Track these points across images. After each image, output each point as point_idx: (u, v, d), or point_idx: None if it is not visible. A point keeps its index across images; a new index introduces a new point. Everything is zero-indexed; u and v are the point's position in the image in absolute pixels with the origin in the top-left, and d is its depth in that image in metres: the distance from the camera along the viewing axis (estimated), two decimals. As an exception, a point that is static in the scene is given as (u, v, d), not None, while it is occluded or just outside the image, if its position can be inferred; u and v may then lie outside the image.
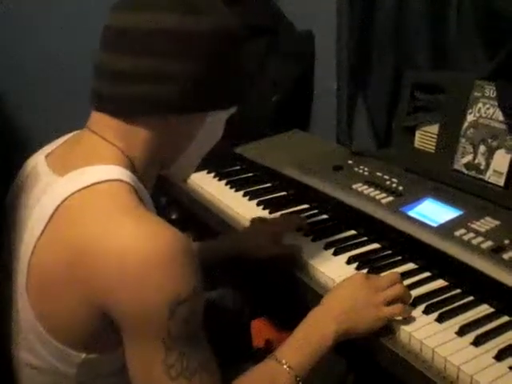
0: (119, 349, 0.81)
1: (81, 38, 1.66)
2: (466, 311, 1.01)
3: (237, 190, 1.56)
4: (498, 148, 1.30)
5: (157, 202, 0.92)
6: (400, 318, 0.99)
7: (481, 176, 1.33)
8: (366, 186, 1.40)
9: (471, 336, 0.94)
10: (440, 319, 0.99)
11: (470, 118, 1.36)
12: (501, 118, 1.29)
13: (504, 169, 1.28)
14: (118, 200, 0.80)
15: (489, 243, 1.12)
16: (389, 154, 1.57)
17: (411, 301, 1.02)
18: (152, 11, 0.84)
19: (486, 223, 1.18)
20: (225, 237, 1.35)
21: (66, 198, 0.80)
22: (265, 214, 1.42)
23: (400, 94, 1.55)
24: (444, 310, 1.01)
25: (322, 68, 1.91)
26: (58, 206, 0.80)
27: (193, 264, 0.78)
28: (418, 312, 1.01)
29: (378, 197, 1.35)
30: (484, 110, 1.33)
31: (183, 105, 0.86)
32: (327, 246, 1.23)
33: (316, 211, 1.41)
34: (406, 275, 1.10)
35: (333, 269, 1.15)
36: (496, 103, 1.30)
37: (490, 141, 1.31)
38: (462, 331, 0.95)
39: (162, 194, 1.80)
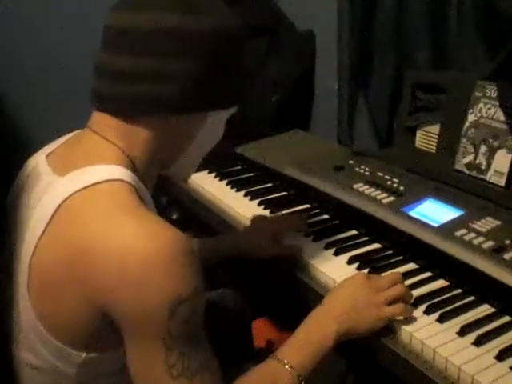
0: (119, 348, 0.81)
1: (81, 38, 1.67)
2: (467, 311, 1.01)
3: (238, 190, 1.56)
4: (499, 148, 1.30)
5: (157, 201, 0.92)
6: (401, 317, 0.98)
7: (482, 176, 1.33)
8: (367, 186, 1.40)
9: (472, 336, 0.94)
10: (441, 319, 0.99)
11: (471, 118, 1.36)
12: (502, 118, 1.29)
13: (505, 169, 1.28)
14: (118, 200, 0.80)
15: (490, 243, 1.11)
16: (390, 154, 1.57)
17: (412, 301, 1.02)
18: (152, 11, 0.84)
19: (487, 223, 1.18)
20: (225, 236, 1.35)
21: (66, 198, 0.80)
22: (266, 214, 1.42)
23: (401, 93, 1.55)
24: (445, 310, 1.01)
25: (323, 68, 1.91)
26: (59, 205, 0.80)
27: (193, 264, 0.78)
28: (419, 312, 1.01)
29: (379, 197, 1.34)
30: (485, 110, 1.33)
31: (183, 105, 0.86)
32: (328, 246, 1.23)
33: (317, 211, 1.41)
34: (406, 275, 1.10)
35: (334, 269, 1.15)
36: (497, 103, 1.30)
37: (491, 141, 1.31)
38: (463, 331, 0.95)
39: (163, 193, 1.80)
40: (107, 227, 0.77)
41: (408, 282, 1.07)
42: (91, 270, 0.76)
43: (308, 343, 0.92)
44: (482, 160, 1.33)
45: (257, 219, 1.33)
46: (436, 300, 1.04)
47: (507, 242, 1.11)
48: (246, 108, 1.00)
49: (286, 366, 0.89)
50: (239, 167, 1.72)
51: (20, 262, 0.84)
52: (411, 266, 1.16)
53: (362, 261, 1.17)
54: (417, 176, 1.43)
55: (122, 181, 0.82)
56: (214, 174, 1.66)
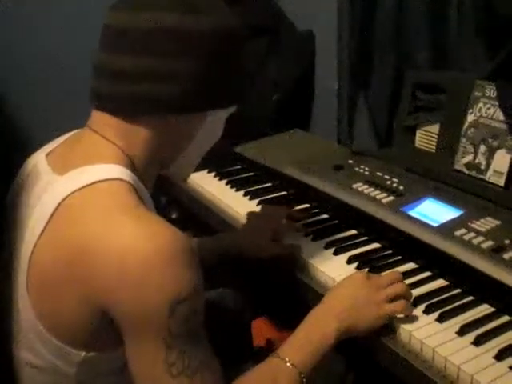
0: (119, 348, 0.81)
1: (81, 38, 1.66)
2: (466, 311, 1.01)
3: (237, 190, 1.56)
4: (498, 148, 1.30)
5: (157, 201, 0.92)
6: (401, 315, 0.98)
7: (481, 176, 1.33)
8: (366, 186, 1.40)
9: (471, 336, 0.94)
10: (440, 319, 0.99)
11: (470, 117, 1.36)
12: (501, 117, 1.29)
13: (504, 169, 1.28)
14: (118, 199, 0.80)
15: (489, 243, 1.11)
16: (389, 153, 1.57)
17: (411, 300, 1.02)
18: (152, 11, 0.84)
19: (487, 223, 1.18)
20: (225, 235, 1.34)
21: (66, 197, 0.80)
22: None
23: (401, 93, 1.55)
24: (444, 309, 1.01)
25: (323, 68, 1.91)
26: (59, 204, 0.80)
27: (193, 263, 0.78)
28: (418, 312, 1.01)
29: (378, 196, 1.34)
30: (484, 109, 1.33)
31: (183, 104, 0.86)
32: (328, 246, 1.23)
33: (316, 211, 1.41)
34: (406, 275, 1.10)
35: (333, 268, 1.15)
36: (496, 103, 1.30)
37: (490, 141, 1.31)
38: (463, 331, 0.95)
39: (162, 193, 1.80)
40: (107, 227, 0.77)
41: (407, 281, 1.07)
42: (91, 270, 0.76)
43: (308, 342, 0.92)
44: (481, 160, 1.33)
45: (252, 216, 1.33)
46: (435, 300, 1.04)
47: (506, 241, 1.11)
48: (246, 108, 1.00)
49: (288, 364, 0.89)
50: (239, 167, 1.72)
51: (19, 261, 0.84)
52: (411, 265, 1.16)
53: (362, 260, 1.17)
54: (416, 176, 1.43)
55: (121, 180, 0.82)
56: (213, 174, 1.66)
